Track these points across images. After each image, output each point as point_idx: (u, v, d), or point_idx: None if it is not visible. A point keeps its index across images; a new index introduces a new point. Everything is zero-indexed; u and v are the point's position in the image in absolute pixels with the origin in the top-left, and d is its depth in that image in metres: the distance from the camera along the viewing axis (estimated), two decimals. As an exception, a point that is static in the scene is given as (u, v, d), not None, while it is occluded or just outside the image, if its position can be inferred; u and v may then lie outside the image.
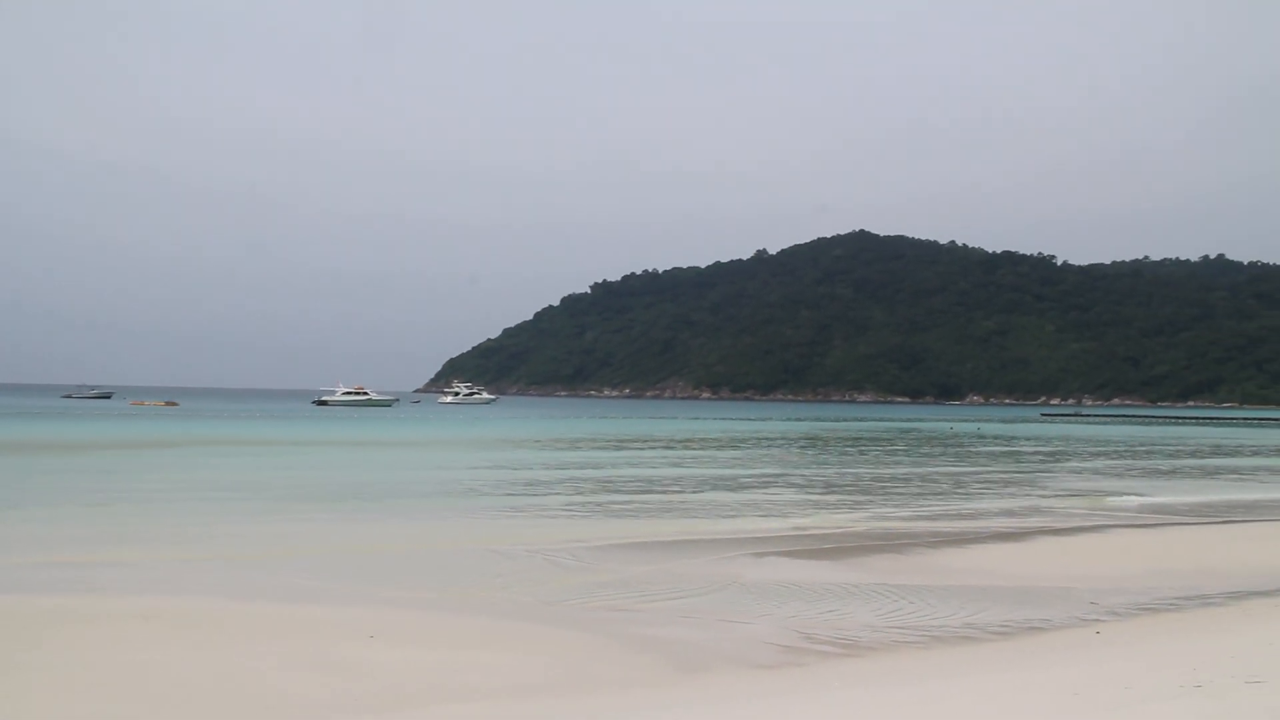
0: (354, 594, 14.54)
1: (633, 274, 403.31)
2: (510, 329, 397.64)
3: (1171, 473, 42.90)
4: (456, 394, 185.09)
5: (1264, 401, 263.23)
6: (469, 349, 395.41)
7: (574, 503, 27.52)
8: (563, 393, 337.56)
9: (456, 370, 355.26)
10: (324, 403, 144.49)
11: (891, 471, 41.29)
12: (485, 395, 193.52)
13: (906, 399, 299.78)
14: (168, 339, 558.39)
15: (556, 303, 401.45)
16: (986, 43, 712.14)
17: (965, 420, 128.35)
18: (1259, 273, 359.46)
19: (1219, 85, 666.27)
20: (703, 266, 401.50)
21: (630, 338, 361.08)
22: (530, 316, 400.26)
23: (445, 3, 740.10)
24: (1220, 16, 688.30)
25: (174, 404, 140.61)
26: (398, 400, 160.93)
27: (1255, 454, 58.19)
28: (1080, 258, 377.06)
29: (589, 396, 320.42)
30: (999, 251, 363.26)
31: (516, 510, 26.02)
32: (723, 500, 29.04)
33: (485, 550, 18.97)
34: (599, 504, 27.27)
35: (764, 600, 14.43)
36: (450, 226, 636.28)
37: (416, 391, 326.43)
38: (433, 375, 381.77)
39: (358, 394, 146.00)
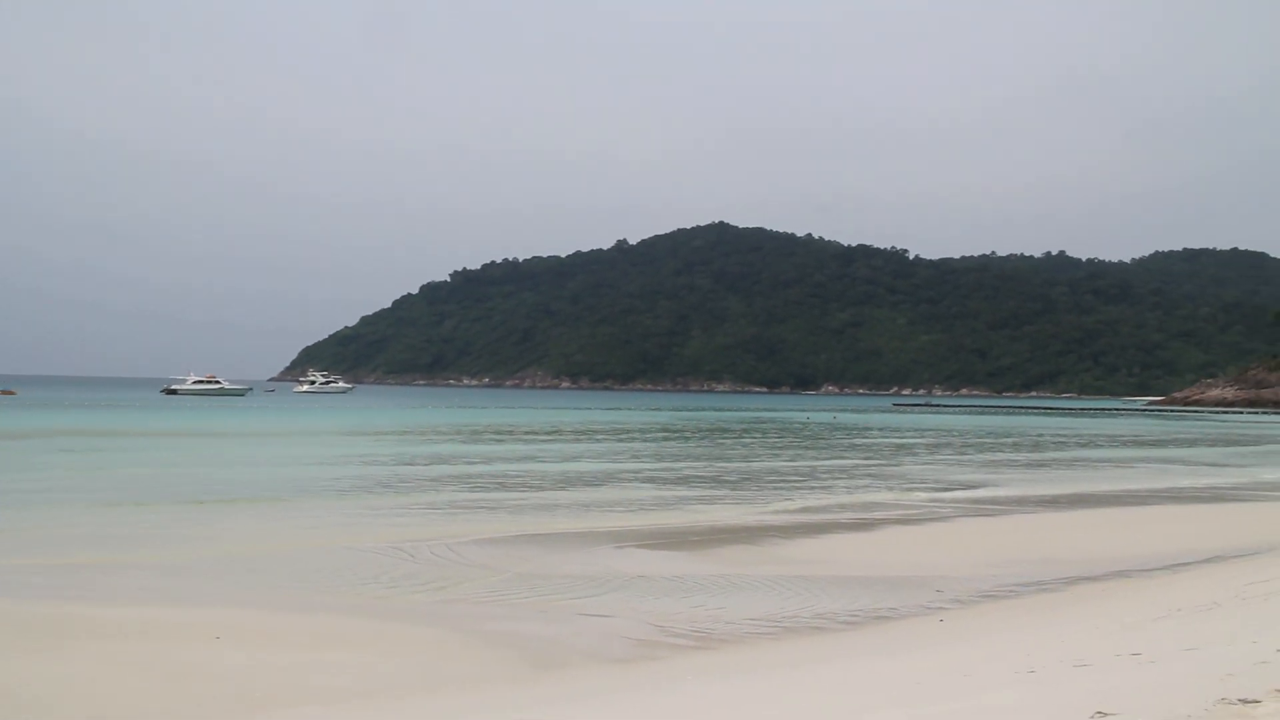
0: (200, 594, 14.16)
1: (493, 263, 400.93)
2: (368, 317, 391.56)
3: (1014, 462, 44.43)
4: (312, 383, 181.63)
5: (1099, 392, 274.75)
6: (326, 337, 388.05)
7: (431, 497, 27.23)
8: (421, 381, 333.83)
9: (313, 359, 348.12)
10: (173, 391, 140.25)
11: (747, 462, 41.92)
12: (342, 384, 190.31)
13: (763, 389, 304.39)
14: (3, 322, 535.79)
15: (416, 291, 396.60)
16: (849, 50, 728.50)
17: (821, 410, 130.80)
18: (1096, 269, 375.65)
19: (1059, 86, 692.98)
20: (563, 256, 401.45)
21: (490, 326, 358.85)
22: (389, 304, 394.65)
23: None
24: (1051, 17, 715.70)
25: (11, 392, 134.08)
26: (251, 389, 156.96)
27: (1090, 444, 60.66)
28: (932, 252, 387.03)
29: (448, 385, 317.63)
30: (854, 245, 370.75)
31: (371, 504, 25.61)
32: (581, 492, 29.10)
33: (339, 547, 18.65)
34: (457, 498, 27.05)
35: (621, 593, 14.54)
36: (311, 209, 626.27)
37: (271, 380, 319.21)
38: (288, 364, 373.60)
39: (209, 383, 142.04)
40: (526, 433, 64.33)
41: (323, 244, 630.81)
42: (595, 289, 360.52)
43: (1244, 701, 5.95)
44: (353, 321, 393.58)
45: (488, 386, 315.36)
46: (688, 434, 66.61)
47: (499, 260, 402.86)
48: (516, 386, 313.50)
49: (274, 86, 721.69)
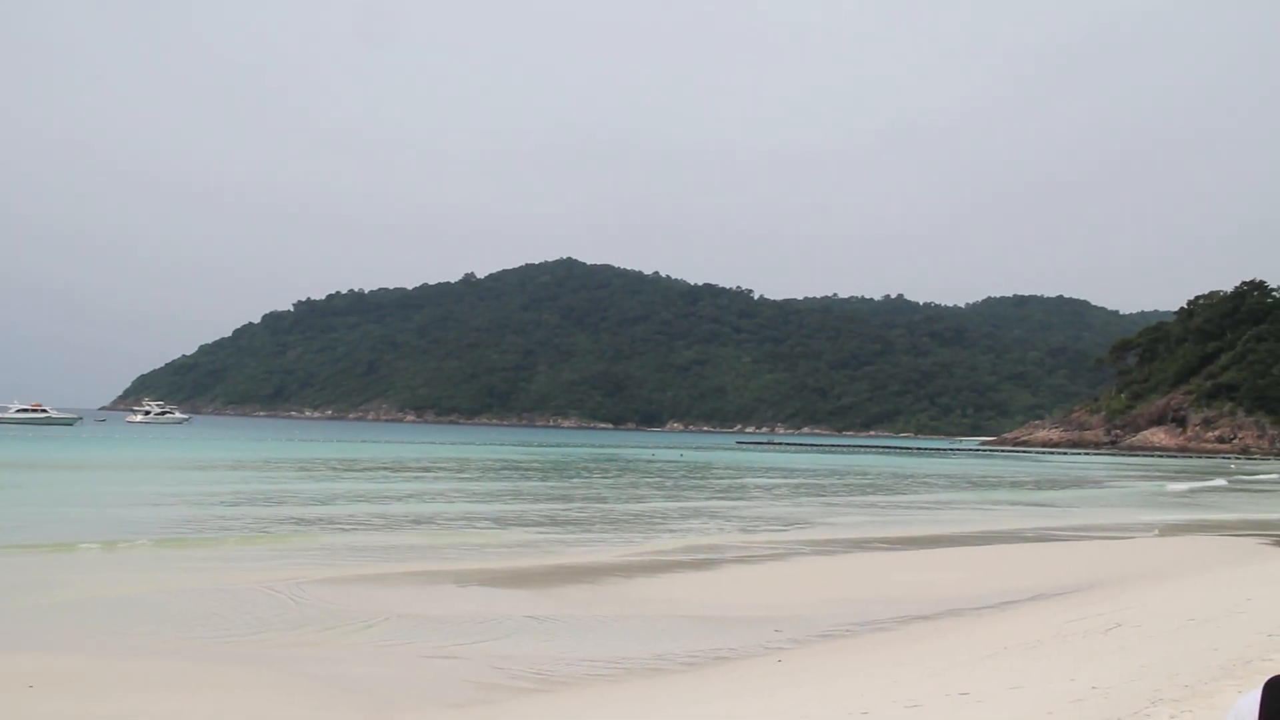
0: (14, 641, 13.44)
1: (338, 293, 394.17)
2: (207, 346, 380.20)
3: (853, 502, 45.36)
4: (147, 413, 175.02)
5: (935, 432, 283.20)
6: (162, 365, 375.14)
7: (267, 533, 26.50)
8: (261, 413, 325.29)
9: (147, 388, 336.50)
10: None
11: (593, 501, 41.89)
12: (178, 414, 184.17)
13: (609, 425, 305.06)
14: None
15: (258, 320, 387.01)
16: (700, 88, 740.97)
17: (666, 448, 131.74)
18: (932, 313, 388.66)
19: (894, 137, 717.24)
20: (410, 288, 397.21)
21: (334, 358, 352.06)
22: (229, 334, 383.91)
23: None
24: (888, 68, 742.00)
25: None
26: (80, 419, 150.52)
27: (926, 483, 62.39)
28: (776, 292, 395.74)
29: (289, 417, 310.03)
30: (701, 284, 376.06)
31: (203, 543, 24.76)
32: (424, 530, 28.67)
33: (170, 590, 17.94)
34: (294, 536, 26.37)
35: (463, 634, 14.34)
36: (146, 239, 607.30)
37: (103, 409, 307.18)
38: (121, 392, 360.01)
39: (34, 411, 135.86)
40: (368, 468, 63.14)
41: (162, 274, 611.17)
42: (442, 322, 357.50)
43: (1062, 742, 6.18)
44: (191, 350, 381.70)
45: (331, 419, 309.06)
46: (533, 471, 66.28)
47: (344, 291, 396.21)
48: (360, 419, 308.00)
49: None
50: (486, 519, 32.45)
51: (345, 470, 59.82)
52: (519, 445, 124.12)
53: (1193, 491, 56.03)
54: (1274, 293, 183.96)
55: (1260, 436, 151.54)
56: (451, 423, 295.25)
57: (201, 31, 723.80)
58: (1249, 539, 29.15)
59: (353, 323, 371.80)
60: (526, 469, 67.89)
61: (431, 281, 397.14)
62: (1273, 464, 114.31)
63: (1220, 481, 66.45)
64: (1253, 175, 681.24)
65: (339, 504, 36.96)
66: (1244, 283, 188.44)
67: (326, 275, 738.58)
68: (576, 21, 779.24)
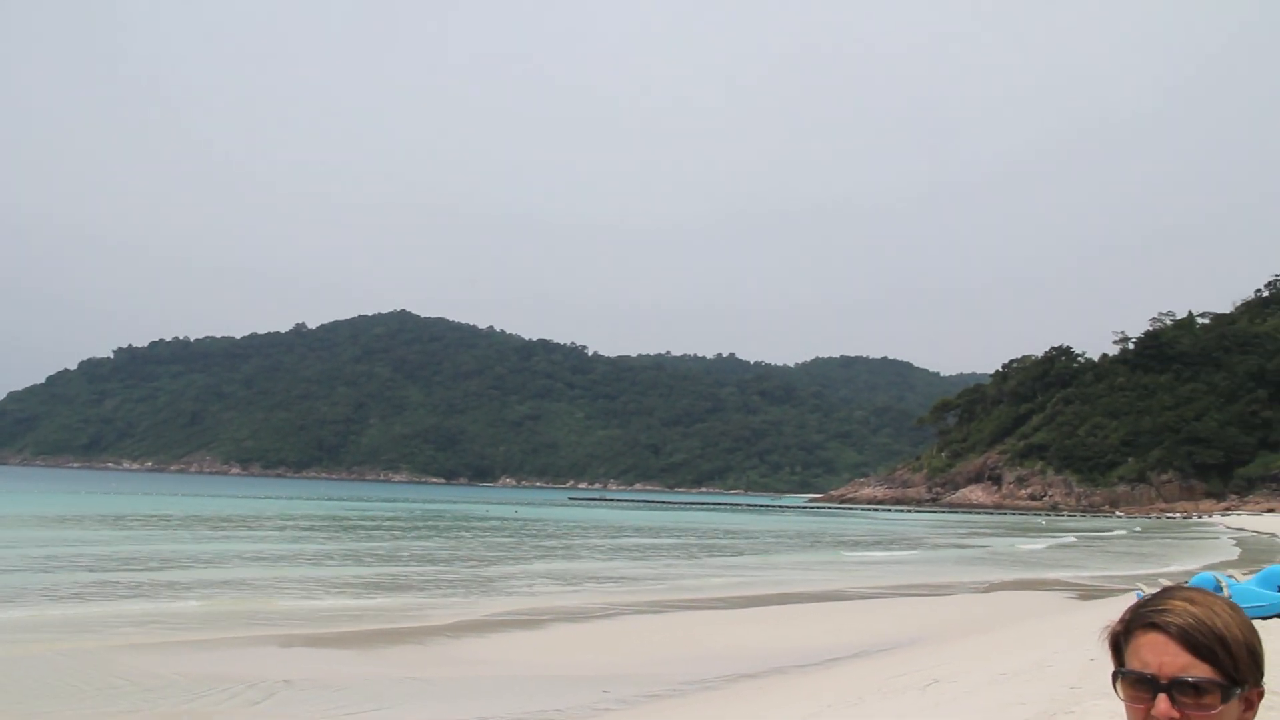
0: None
1: (161, 340, 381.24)
2: (16, 393, 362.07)
3: (683, 559, 45.69)
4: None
5: (764, 489, 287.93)
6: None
7: (73, 599, 25.24)
8: (75, 464, 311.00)
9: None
10: None
11: (418, 558, 41.19)
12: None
13: (441, 480, 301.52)
14: None
15: (74, 367, 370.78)
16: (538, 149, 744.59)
17: (499, 503, 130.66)
18: (763, 372, 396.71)
19: (730, 213, 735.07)
20: (237, 337, 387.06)
21: (155, 408, 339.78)
22: (42, 380, 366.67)
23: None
24: (725, 152, 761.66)
25: None
26: None
27: (755, 540, 63.30)
28: (610, 349, 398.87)
29: (106, 469, 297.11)
30: (535, 339, 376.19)
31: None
32: (243, 589, 27.73)
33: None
34: (103, 600, 25.17)
35: (281, 698, 13.86)
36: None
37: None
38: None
39: None
40: (186, 521, 60.82)
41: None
42: (270, 372, 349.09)
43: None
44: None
45: (151, 471, 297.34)
46: (359, 525, 64.87)
47: (168, 339, 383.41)
48: (183, 471, 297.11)
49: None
50: (312, 577, 31.54)
51: (162, 525, 57.46)
52: (348, 500, 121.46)
53: (1048, 549, 58.08)
54: (1079, 358, 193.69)
55: (1068, 494, 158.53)
56: (278, 476, 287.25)
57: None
58: (1058, 594, 30.38)
59: (176, 371, 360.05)
60: (355, 525, 66.38)
61: (261, 331, 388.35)
62: (1079, 521, 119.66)
63: (1070, 539, 69.25)
64: (1068, 249, 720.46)
65: (147, 568, 35.35)
66: (1053, 348, 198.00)
67: (150, 320, 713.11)
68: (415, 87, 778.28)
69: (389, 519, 75.78)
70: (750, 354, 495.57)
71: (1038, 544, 61.66)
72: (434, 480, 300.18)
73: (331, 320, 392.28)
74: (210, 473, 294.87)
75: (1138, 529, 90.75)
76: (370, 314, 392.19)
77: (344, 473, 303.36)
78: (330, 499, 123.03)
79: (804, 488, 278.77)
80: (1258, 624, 10.73)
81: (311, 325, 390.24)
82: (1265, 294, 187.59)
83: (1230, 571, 16.40)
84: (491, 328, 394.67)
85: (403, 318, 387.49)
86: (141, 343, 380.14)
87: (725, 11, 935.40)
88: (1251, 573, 16.64)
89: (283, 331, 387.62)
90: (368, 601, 25.50)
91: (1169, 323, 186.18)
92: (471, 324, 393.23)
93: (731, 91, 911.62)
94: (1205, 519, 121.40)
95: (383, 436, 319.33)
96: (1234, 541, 64.26)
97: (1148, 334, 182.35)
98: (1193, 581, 15.42)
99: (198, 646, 18.16)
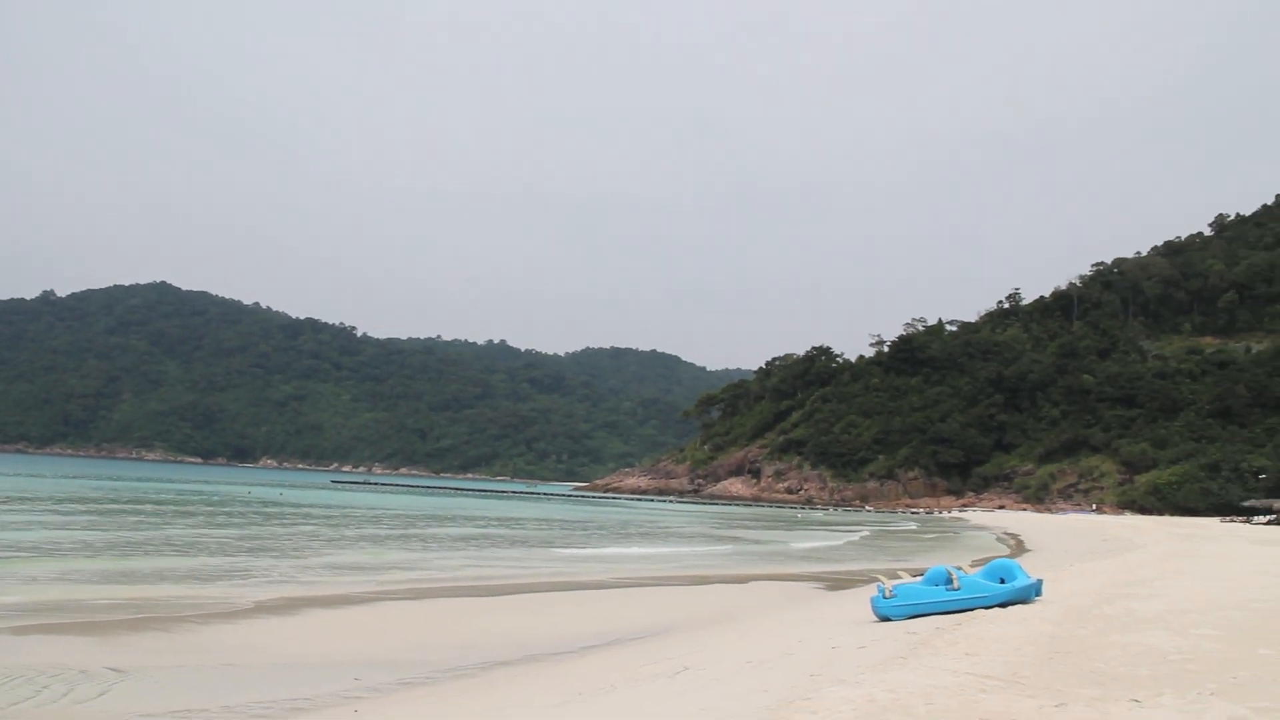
0: None
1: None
2: None
3: (444, 545, 45.35)
4: None
5: (531, 476, 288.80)
6: None
7: None
8: None
9: None
10: None
11: (168, 543, 39.54)
12: None
13: (199, 459, 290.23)
14: None
15: None
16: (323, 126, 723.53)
17: (263, 485, 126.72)
18: (533, 360, 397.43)
19: (502, 192, 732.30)
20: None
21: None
22: None
23: None
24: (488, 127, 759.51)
25: None
26: None
27: (517, 526, 63.45)
28: (380, 331, 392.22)
29: None
30: (303, 318, 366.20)
31: None
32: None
33: None
34: None
35: (10, 690, 13.09)
36: None
37: None
38: None
39: None
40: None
41: None
42: (13, 341, 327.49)
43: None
44: None
45: None
46: (110, 507, 61.66)
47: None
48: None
49: None
50: (54, 555, 29.83)
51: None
52: (97, 479, 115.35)
53: (821, 547, 59.90)
54: (838, 358, 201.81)
55: (822, 489, 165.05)
56: (18, 451, 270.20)
57: None
58: (808, 585, 31.56)
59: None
60: (102, 505, 63.08)
61: (2, 296, 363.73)
62: (833, 514, 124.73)
63: (866, 532, 71.63)
64: (827, 250, 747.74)
65: None
66: (814, 348, 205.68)
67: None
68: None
69: (141, 500, 72.36)
70: (521, 342, 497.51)
71: (813, 542, 63.55)
72: (191, 460, 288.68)
73: (84, 289, 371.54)
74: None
75: (913, 526, 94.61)
76: (127, 284, 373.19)
77: (92, 450, 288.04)
78: (76, 476, 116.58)
79: (570, 476, 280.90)
80: (985, 611, 11.48)
81: (61, 294, 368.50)
82: (1006, 305, 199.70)
83: (961, 565, 17.38)
84: (257, 304, 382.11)
85: (162, 289, 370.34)
86: None
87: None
88: (979, 565, 17.71)
89: (28, 298, 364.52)
90: (113, 589, 24.27)
91: (921, 328, 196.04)
92: (236, 299, 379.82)
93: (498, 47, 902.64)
94: (945, 515, 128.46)
95: (136, 412, 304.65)
96: (996, 538, 67.42)
97: (901, 338, 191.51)
98: (927, 574, 16.34)
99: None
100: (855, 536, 66.49)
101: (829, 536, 66.90)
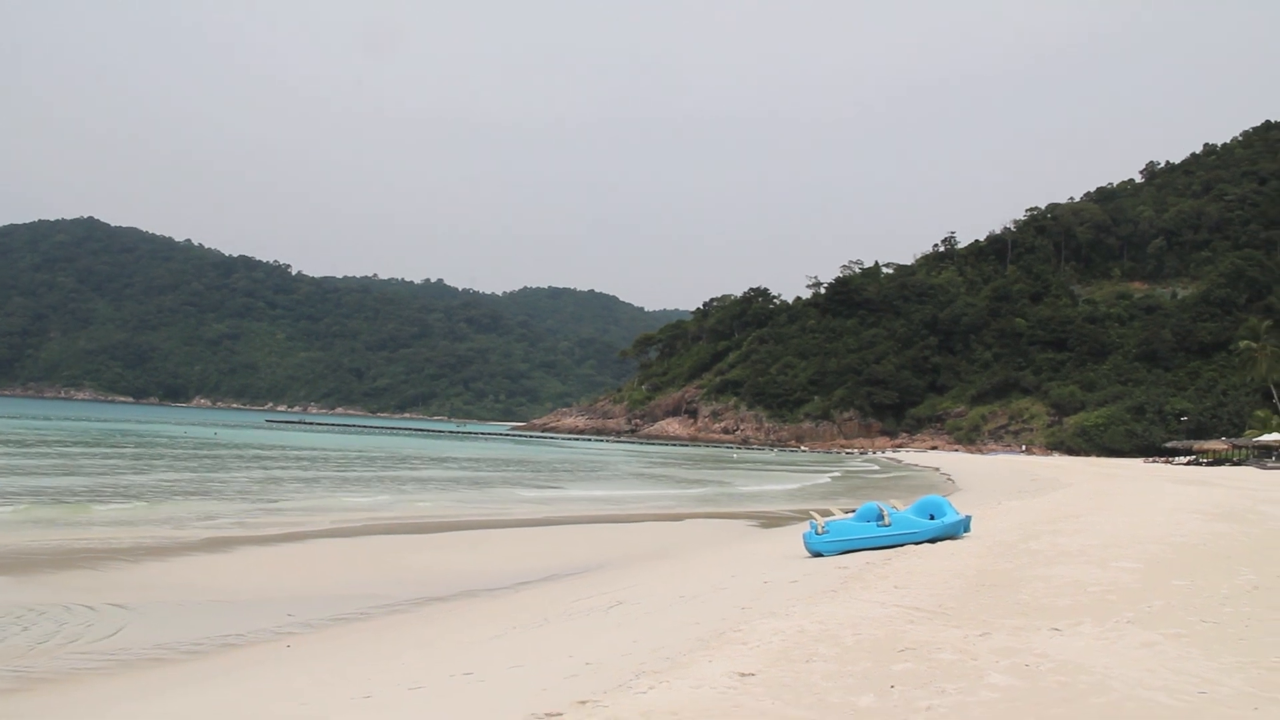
0: None
1: None
2: None
3: (376, 483, 45.23)
4: None
5: (469, 416, 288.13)
6: None
7: None
8: None
9: None
10: None
11: (97, 477, 39.06)
12: None
13: (130, 399, 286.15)
14: None
15: None
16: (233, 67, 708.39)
17: (198, 424, 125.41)
18: (470, 299, 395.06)
19: (450, 132, 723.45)
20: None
21: None
22: None
23: None
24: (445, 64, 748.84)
25: None
26: None
27: (452, 464, 63.30)
28: (315, 269, 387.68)
29: None
30: (236, 255, 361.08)
31: None
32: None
33: None
34: None
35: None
36: None
37: None
38: None
39: None
40: None
41: None
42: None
43: (549, 715, 6.49)
44: None
45: None
46: (38, 448, 60.72)
47: None
48: None
49: None
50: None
51: None
52: (20, 418, 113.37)
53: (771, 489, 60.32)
54: (775, 299, 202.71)
55: (758, 428, 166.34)
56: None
57: None
58: (742, 523, 31.91)
59: None
60: (28, 446, 62.11)
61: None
62: (768, 453, 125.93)
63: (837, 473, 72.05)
64: (766, 196, 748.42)
65: None
66: (751, 289, 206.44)
67: None
68: None
69: (71, 437, 71.30)
70: (459, 281, 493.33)
71: (772, 485, 63.75)
72: (122, 399, 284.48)
73: (7, 224, 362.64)
74: None
75: (875, 469, 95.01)
76: (53, 219, 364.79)
77: (18, 389, 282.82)
78: (8, 417, 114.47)
79: (508, 416, 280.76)
80: (915, 547, 11.70)
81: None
82: (941, 249, 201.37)
83: (892, 501, 17.64)
84: (189, 241, 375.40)
85: (90, 225, 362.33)
86: None
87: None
88: (909, 502, 17.99)
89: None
90: (38, 531, 23.92)
91: (857, 271, 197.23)
92: (167, 236, 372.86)
93: None
94: (879, 455, 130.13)
95: (64, 351, 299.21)
96: (947, 478, 68.18)
97: (838, 280, 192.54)
98: (859, 511, 16.58)
99: None
100: (825, 479, 66.70)
101: (804, 478, 67.52)
